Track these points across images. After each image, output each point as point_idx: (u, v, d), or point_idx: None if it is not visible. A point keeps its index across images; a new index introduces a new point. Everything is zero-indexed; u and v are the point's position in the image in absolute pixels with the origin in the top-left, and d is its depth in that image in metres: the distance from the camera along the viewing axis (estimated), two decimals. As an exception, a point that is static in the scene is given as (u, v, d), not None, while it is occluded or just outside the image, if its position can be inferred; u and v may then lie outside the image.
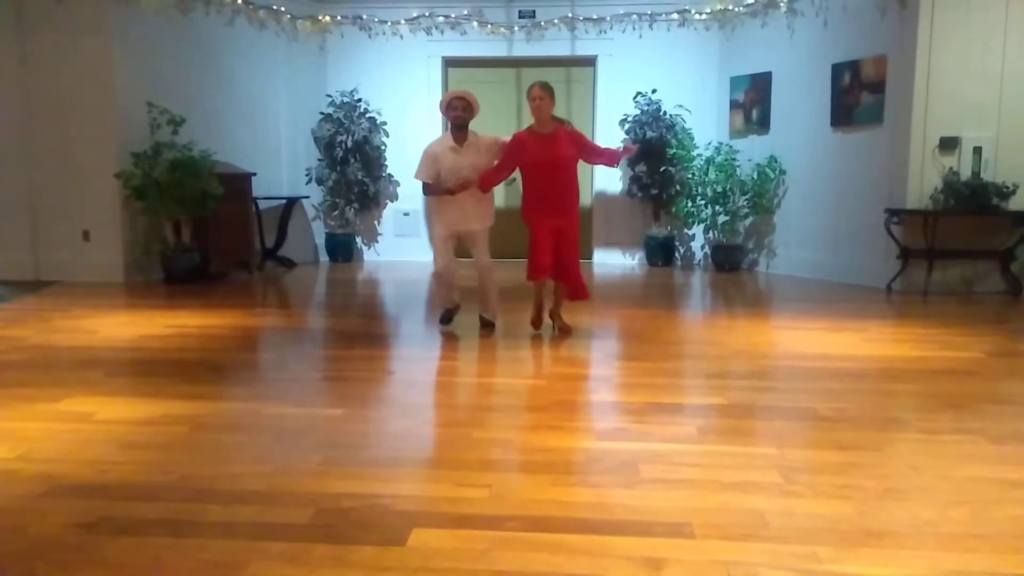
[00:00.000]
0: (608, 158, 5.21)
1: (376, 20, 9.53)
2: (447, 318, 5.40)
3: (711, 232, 9.26)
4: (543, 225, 4.91)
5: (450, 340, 5.07)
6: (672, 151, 9.05)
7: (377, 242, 10.05)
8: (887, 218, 7.16)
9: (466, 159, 4.99)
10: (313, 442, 3.03)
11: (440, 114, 9.57)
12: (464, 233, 5.19)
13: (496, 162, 5.09)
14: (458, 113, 4.98)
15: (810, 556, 2.08)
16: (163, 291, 7.16)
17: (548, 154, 4.83)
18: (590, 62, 9.72)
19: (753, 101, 9.00)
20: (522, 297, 5.97)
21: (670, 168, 9.13)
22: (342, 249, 9.79)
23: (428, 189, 5.11)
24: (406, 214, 9.95)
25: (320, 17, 9.52)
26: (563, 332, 5.19)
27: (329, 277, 8.66)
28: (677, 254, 9.73)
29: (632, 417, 3.42)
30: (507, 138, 5.09)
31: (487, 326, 5.31)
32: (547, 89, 4.82)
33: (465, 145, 5.01)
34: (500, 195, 9.41)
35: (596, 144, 5.12)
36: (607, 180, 9.71)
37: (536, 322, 5.26)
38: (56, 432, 3.10)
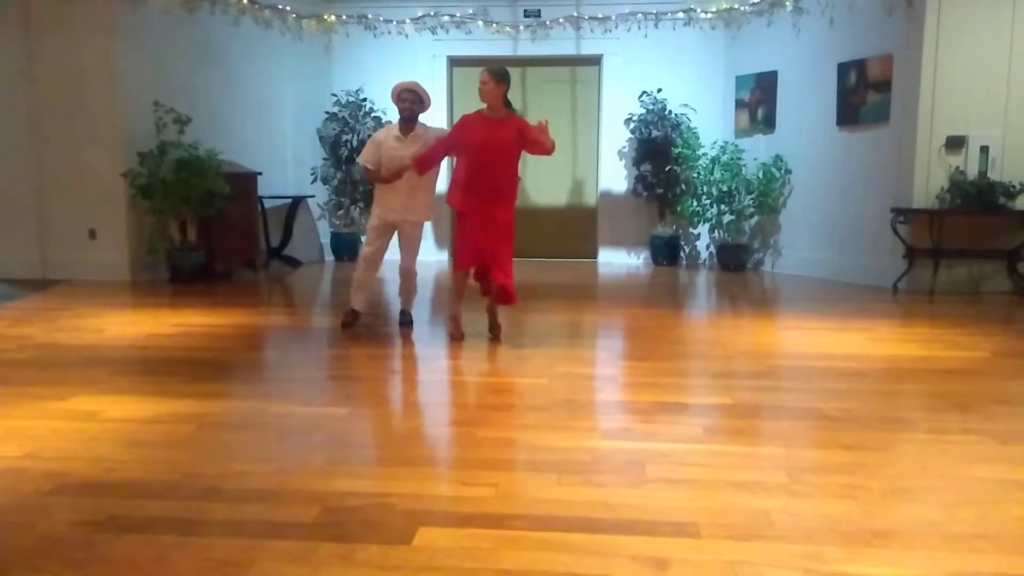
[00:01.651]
0: (548, 150, 4.73)
1: (381, 19, 9.53)
2: (348, 322, 5.29)
3: (716, 231, 9.23)
4: (474, 212, 4.71)
5: (455, 340, 5.06)
6: (677, 150, 9.03)
7: (382, 241, 10.05)
8: (893, 217, 7.14)
9: (408, 150, 4.93)
10: (318, 441, 3.04)
11: (444, 112, 9.57)
12: (396, 224, 5.12)
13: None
14: (407, 105, 4.95)
15: (816, 556, 2.08)
16: (169, 290, 7.17)
17: (490, 137, 4.64)
18: (595, 61, 9.71)
19: (759, 100, 8.97)
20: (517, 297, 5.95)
21: (675, 167, 9.11)
22: (347, 248, 9.79)
23: (367, 175, 5.15)
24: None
25: (325, 16, 9.52)
26: (493, 332, 4.93)
27: (334, 276, 8.67)
28: (682, 253, 9.72)
29: (638, 416, 3.42)
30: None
31: (405, 324, 5.33)
32: (495, 74, 4.65)
33: (409, 136, 4.97)
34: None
35: (541, 138, 4.70)
36: (612, 179, 9.70)
37: (455, 332, 4.92)
38: (63, 430, 3.11)
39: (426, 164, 4.92)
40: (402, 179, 4.94)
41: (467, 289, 5.01)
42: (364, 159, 5.08)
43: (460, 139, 4.76)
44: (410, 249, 5.18)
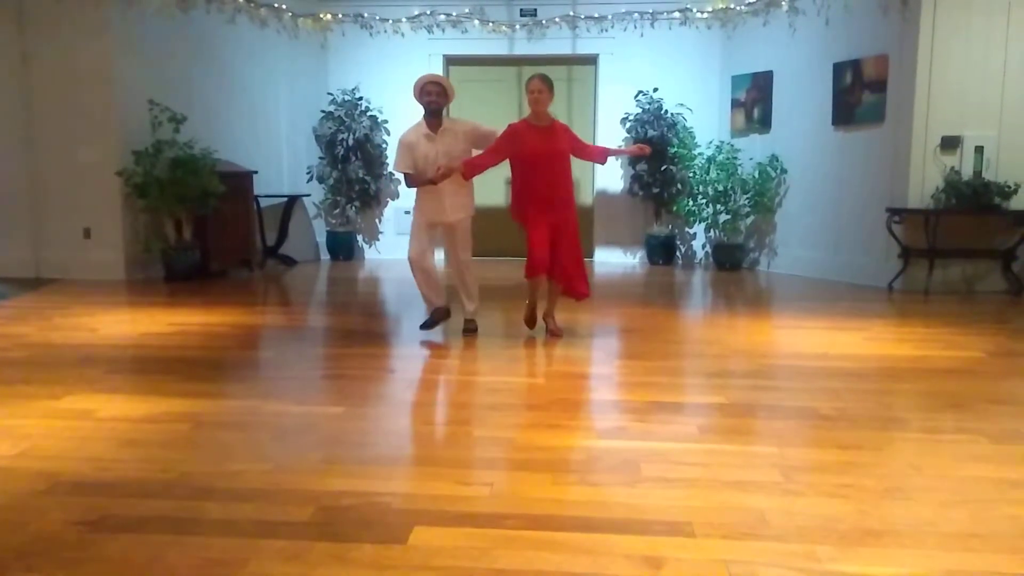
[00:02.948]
0: (598, 155, 5.14)
1: (377, 18, 9.52)
2: (429, 323, 5.10)
3: (712, 231, 9.25)
4: (539, 220, 4.75)
5: (450, 339, 5.06)
6: (673, 150, 9.04)
7: (378, 240, 10.05)
8: (888, 217, 7.15)
9: (441, 146, 4.77)
10: (313, 440, 3.04)
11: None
12: (442, 225, 4.98)
13: (475, 150, 4.91)
14: (432, 99, 4.77)
15: (810, 555, 2.08)
16: (164, 289, 7.16)
17: (545, 146, 4.70)
18: (591, 61, 9.71)
19: (754, 100, 8.99)
20: (516, 296, 5.93)
21: (671, 167, 9.12)
22: (343, 247, 9.79)
23: (410, 180, 4.90)
24: (407, 212, 9.89)
25: (321, 15, 9.51)
26: (554, 335, 5.00)
27: (330, 275, 8.66)
28: (678, 253, 9.73)
29: (633, 416, 3.42)
30: (486, 126, 4.97)
31: (469, 329, 5.10)
32: (547, 82, 4.74)
33: (440, 132, 4.80)
34: (498, 192, 9.46)
35: (585, 141, 5.03)
36: (608, 179, 9.70)
37: (530, 321, 5.14)
38: (57, 429, 3.10)
39: (475, 170, 4.79)
40: (445, 180, 4.72)
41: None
42: (403, 167, 4.86)
43: (511, 148, 4.74)
44: (461, 242, 5.02)
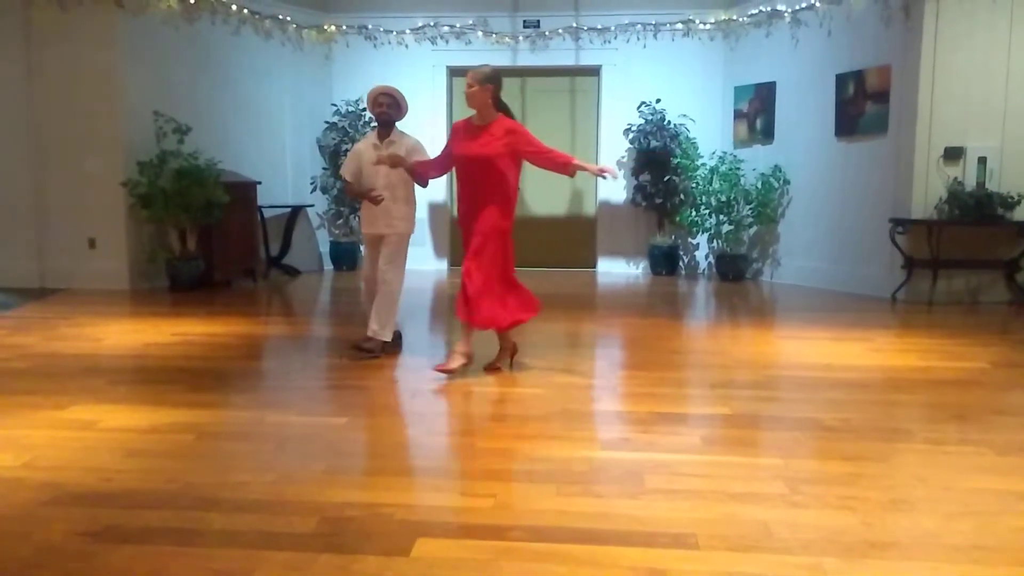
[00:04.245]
0: (561, 165, 4.26)
1: (381, 29, 9.57)
2: (358, 350, 4.72)
3: (715, 241, 9.25)
4: (463, 227, 4.39)
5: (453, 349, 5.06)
6: (676, 160, 9.05)
7: (381, 250, 10.06)
8: (892, 228, 7.15)
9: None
10: (317, 451, 3.04)
11: (443, 122, 9.58)
12: (375, 237, 4.75)
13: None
14: (383, 110, 4.74)
15: (815, 567, 2.07)
16: (168, 299, 7.17)
17: (470, 147, 4.23)
18: (594, 72, 9.74)
19: (757, 111, 9.00)
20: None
21: (674, 177, 9.13)
22: (346, 257, 9.80)
23: (348, 189, 4.77)
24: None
25: (326, 27, 9.56)
26: (489, 370, 4.43)
27: (333, 285, 8.67)
28: (681, 263, 9.73)
29: (636, 427, 3.42)
30: (426, 152, 4.79)
31: (363, 350, 4.67)
32: (479, 76, 4.17)
33: (386, 142, 4.71)
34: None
35: (545, 147, 4.27)
36: (611, 189, 9.71)
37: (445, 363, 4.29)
38: (61, 440, 3.11)
39: (423, 168, 4.55)
40: (381, 189, 4.64)
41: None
42: (345, 171, 4.83)
43: (449, 147, 4.43)
44: (387, 256, 4.70)
